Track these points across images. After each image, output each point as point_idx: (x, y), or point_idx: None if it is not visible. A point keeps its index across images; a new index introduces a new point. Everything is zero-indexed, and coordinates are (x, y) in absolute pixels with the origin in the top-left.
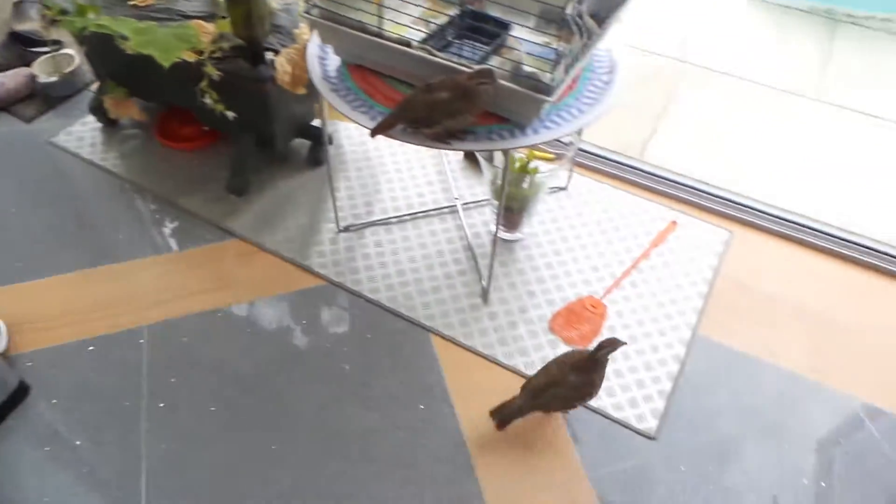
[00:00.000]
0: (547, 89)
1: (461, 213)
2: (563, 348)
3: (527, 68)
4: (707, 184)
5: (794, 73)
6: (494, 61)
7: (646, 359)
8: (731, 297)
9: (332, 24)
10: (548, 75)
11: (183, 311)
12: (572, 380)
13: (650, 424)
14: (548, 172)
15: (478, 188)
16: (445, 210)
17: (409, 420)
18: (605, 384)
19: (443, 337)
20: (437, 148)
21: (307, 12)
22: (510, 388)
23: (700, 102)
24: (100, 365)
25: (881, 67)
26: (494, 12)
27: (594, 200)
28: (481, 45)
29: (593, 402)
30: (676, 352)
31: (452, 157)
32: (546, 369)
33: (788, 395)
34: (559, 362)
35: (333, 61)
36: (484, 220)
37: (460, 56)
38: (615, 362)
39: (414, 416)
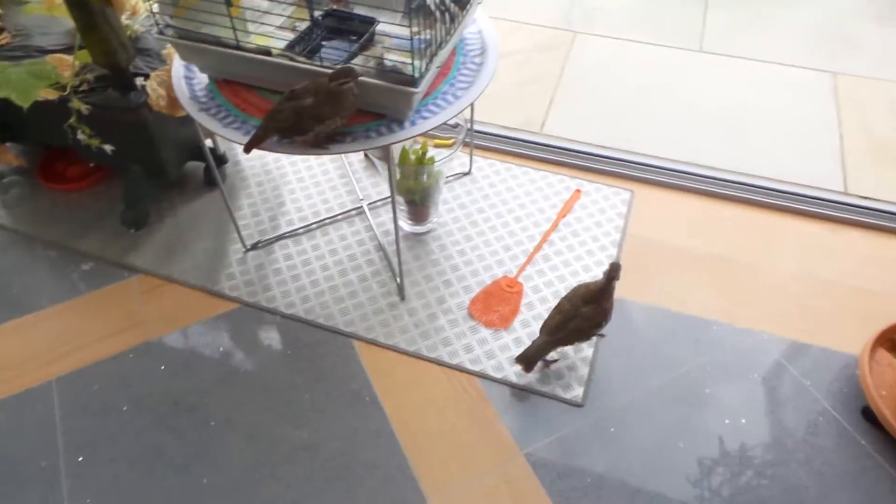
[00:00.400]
0: (412, 81)
1: (368, 213)
2: (484, 332)
3: (388, 62)
4: (606, 147)
5: (676, 28)
6: (361, 59)
7: None
8: (639, 255)
9: (189, 42)
10: (408, 67)
11: (93, 357)
12: (585, 311)
13: (576, 392)
14: (444, 160)
15: (382, 185)
16: (353, 213)
17: (341, 430)
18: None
19: (364, 340)
20: (314, 154)
21: (160, 33)
22: (437, 380)
23: (592, 69)
24: (11, 428)
25: (754, 11)
26: (361, 10)
27: (499, 181)
28: (350, 44)
29: (519, 381)
30: None
31: (354, 159)
32: (559, 307)
33: (703, 341)
34: (570, 298)
35: (201, 79)
36: (392, 217)
37: (329, 57)
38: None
39: (345, 426)
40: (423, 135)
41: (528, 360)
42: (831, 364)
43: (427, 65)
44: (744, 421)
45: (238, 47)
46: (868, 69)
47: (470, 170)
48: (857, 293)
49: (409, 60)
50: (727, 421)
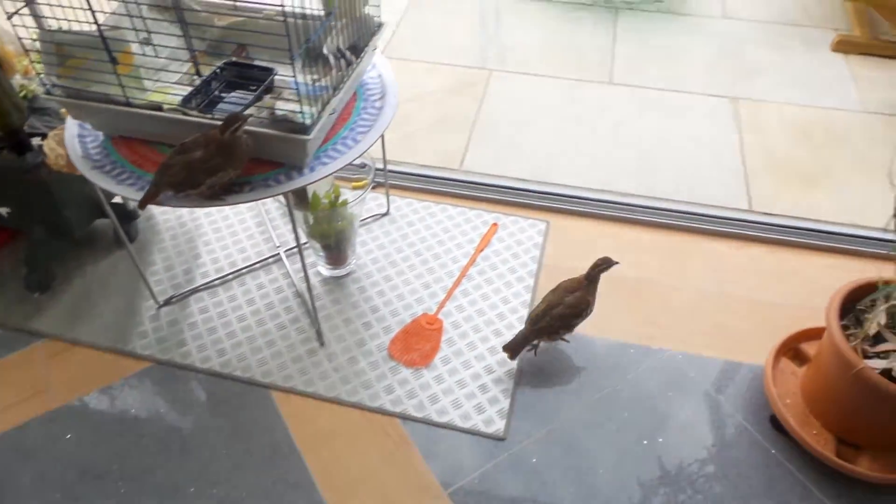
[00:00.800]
0: (304, 129)
1: (285, 259)
2: (405, 372)
3: (279, 112)
4: (523, 180)
5: (587, 62)
6: (254, 109)
7: (486, 363)
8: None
9: (77, 101)
10: (299, 116)
11: None
12: (568, 300)
13: (498, 426)
14: (355, 202)
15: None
16: (270, 260)
17: (260, 486)
18: (450, 397)
19: (283, 390)
20: (212, 206)
21: (48, 93)
22: (358, 425)
23: (509, 104)
24: None
25: (658, 43)
26: (261, 59)
27: (417, 219)
28: (249, 94)
29: (441, 419)
30: None
31: (271, 205)
32: (545, 298)
33: (620, 365)
34: (555, 290)
35: (97, 136)
36: (310, 262)
37: (226, 109)
38: (458, 374)
39: (264, 481)
40: (340, 178)
41: (512, 348)
42: (742, 377)
43: (320, 112)
44: (661, 440)
45: (128, 104)
46: (764, 93)
47: (388, 210)
48: (762, 306)
49: (299, 110)
50: (645, 442)
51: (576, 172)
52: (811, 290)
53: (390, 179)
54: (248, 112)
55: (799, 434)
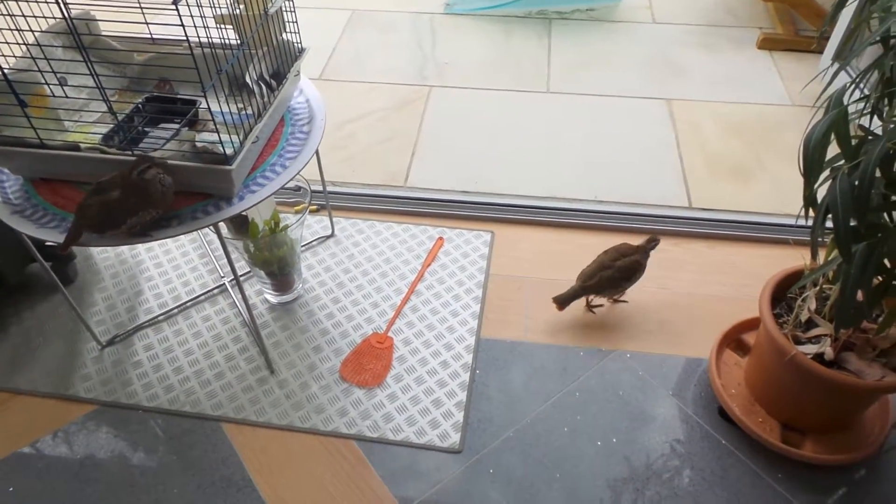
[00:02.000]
0: (226, 159)
1: (231, 289)
2: (358, 393)
3: (199, 144)
4: (468, 193)
5: (524, 73)
6: (175, 143)
7: (438, 377)
8: (503, 293)
9: None
10: (219, 147)
11: None
12: (620, 263)
13: (453, 440)
14: (294, 227)
15: (244, 260)
16: (215, 291)
17: None
18: (404, 415)
19: (234, 422)
20: (138, 243)
21: None
22: (313, 451)
23: (450, 119)
24: None
25: (591, 50)
26: (184, 92)
27: (363, 239)
28: (174, 127)
29: (396, 437)
30: (465, 361)
31: (213, 236)
32: (597, 258)
33: (570, 369)
34: (608, 251)
35: (16, 180)
36: (257, 290)
37: (150, 145)
38: (411, 390)
39: None
40: (280, 203)
41: (561, 300)
42: (689, 371)
43: (243, 141)
44: (615, 440)
45: (42, 146)
46: (696, 92)
47: (333, 231)
48: (705, 300)
49: (221, 139)
50: (599, 443)
51: (520, 181)
52: (750, 281)
53: (335, 201)
54: (168, 146)
55: (745, 423)
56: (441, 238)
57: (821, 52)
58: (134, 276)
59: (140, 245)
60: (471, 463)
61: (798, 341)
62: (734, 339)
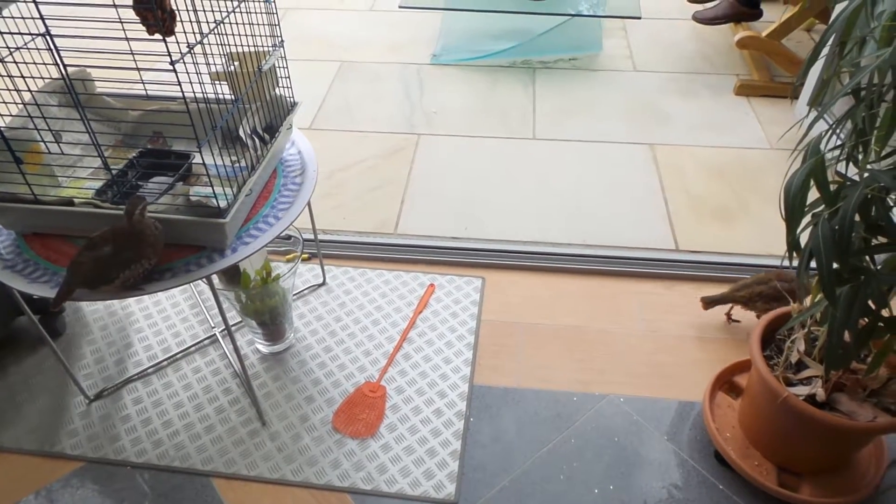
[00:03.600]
0: (220, 212)
1: (221, 340)
2: (351, 444)
3: (194, 197)
4: (457, 239)
5: (510, 120)
6: (169, 197)
7: (432, 426)
8: (496, 339)
9: None
10: (213, 200)
11: None
12: (775, 284)
13: (449, 490)
14: (286, 276)
15: (235, 310)
16: (206, 342)
17: None
18: (398, 465)
19: (224, 477)
20: (131, 297)
21: None
22: (305, 503)
23: (439, 166)
24: None
25: (575, 98)
26: (179, 146)
27: (354, 287)
28: (168, 181)
29: (390, 489)
30: (459, 409)
31: (204, 286)
32: (758, 274)
33: (564, 414)
34: (771, 271)
35: (8, 235)
36: (248, 340)
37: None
38: (404, 440)
39: None
40: (273, 253)
41: (707, 301)
42: (683, 415)
43: (236, 194)
44: (612, 487)
45: (36, 201)
46: (678, 137)
47: (324, 280)
48: (696, 342)
49: (215, 193)
50: (596, 491)
51: (509, 227)
52: (740, 322)
53: (326, 249)
54: (162, 199)
55: (741, 467)
56: (432, 285)
57: (796, 97)
58: (123, 328)
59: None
60: None
61: (789, 383)
62: (727, 382)
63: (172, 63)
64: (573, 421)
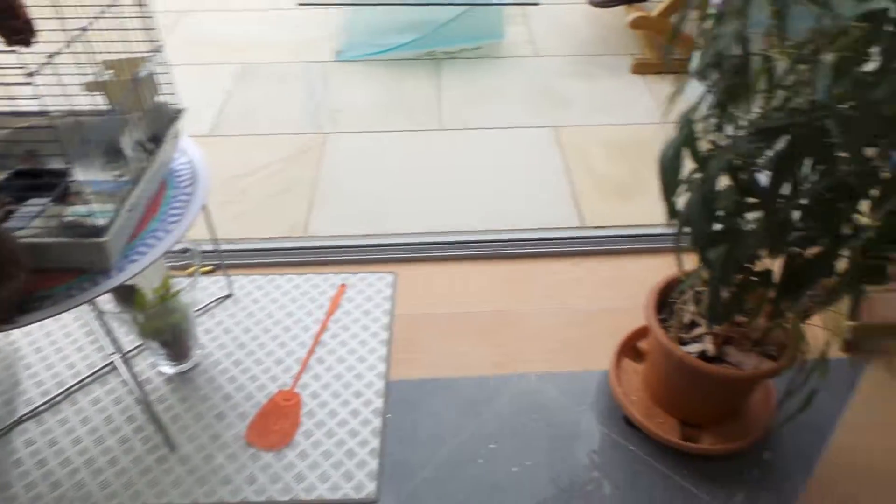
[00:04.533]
0: (98, 230)
1: (121, 367)
2: (267, 456)
3: (67, 219)
4: (369, 236)
5: (416, 112)
6: (42, 220)
7: (350, 427)
8: (411, 333)
9: None
10: (91, 219)
11: None
12: None
13: (369, 489)
14: (186, 291)
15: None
16: (105, 370)
17: None
18: (316, 472)
19: None
20: (4, 330)
21: None
22: None
23: (348, 164)
24: None
25: (478, 86)
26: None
27: (263, 295)
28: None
29: (310, 496)
30: (376, 406)
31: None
32: None
33: (481, 399)
34: None
35: None
36: (151, 363)
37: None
38: (322, 445)
39: None
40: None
41: None
42: (595, 384)
43: (117, 210)
44: (529, 463)
45: None
46: (580, 118)
47: (230, 291)
48: (602, 314)
49: (93, 211)
50: (515, 469)
51: (420, 219)
52: (641, 290)
53: (232, 259)
54: (35, 223)
55: (646, 426)
56: (343, 285)
57: (685, 72)
58: (10, 364)
59: (15, 330)
60: None
61: (683, 342)
62: (631, 348)
63: (30, 75)
64: (490, 403)
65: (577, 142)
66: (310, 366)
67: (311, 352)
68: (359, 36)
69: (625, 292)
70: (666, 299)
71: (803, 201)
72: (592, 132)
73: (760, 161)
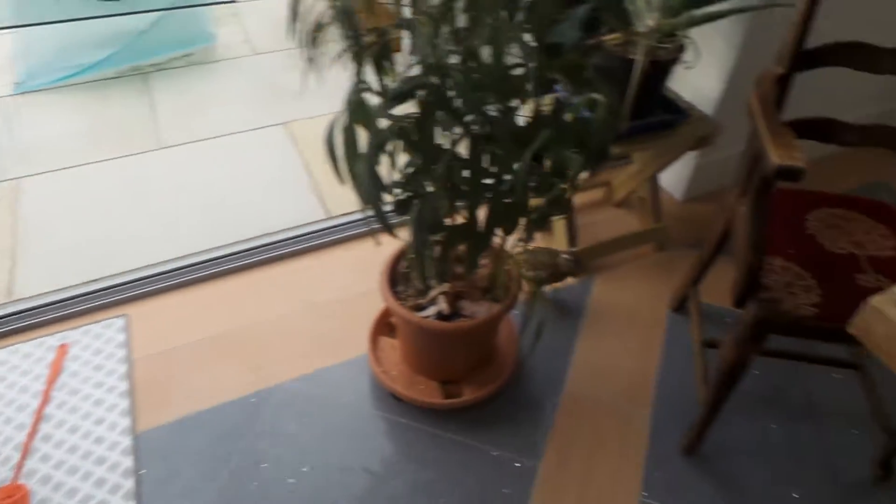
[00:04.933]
0: None
1: None
2: None
3: None
4: (91, 282)
5: (129, 135)
6: None
7: (97, 500)
8: (154, 375)
9: None
10: None
11: None
12: None
13: None
14: None
15: None
16: None
17: None
18: None
19: None
20: None
21: None
22: None
23: (53, 207)
24: None
25: (195, 94)
26: None
27: None
28: None
29: None
30: (125, 466)
31: None
32: None
33: (242, 422)
34: None
35: None
36: None
37: None
38: None
39: None
40: None
41: None
42: (358, 371)
43: None
44: (306, 469)
45: None
46: (310, 110)
47: None
48: (355, 300)
49: None
50: (292, 480)
51: (149, 250)
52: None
53: None
54: None
55: (409, 396)
56: (64, 345)
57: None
58: None
59: None
60: None
61: (422, 307)
62: (385, 325)
63: None
64: (253, 424)
65: (310, 134)
66: (34, 448)
67: (34, 432)
68: (42, 59)
69: (373, 274)
70: (400, 271)
71: (461, 154)
72: (324, 122)
73: (406, 124)
